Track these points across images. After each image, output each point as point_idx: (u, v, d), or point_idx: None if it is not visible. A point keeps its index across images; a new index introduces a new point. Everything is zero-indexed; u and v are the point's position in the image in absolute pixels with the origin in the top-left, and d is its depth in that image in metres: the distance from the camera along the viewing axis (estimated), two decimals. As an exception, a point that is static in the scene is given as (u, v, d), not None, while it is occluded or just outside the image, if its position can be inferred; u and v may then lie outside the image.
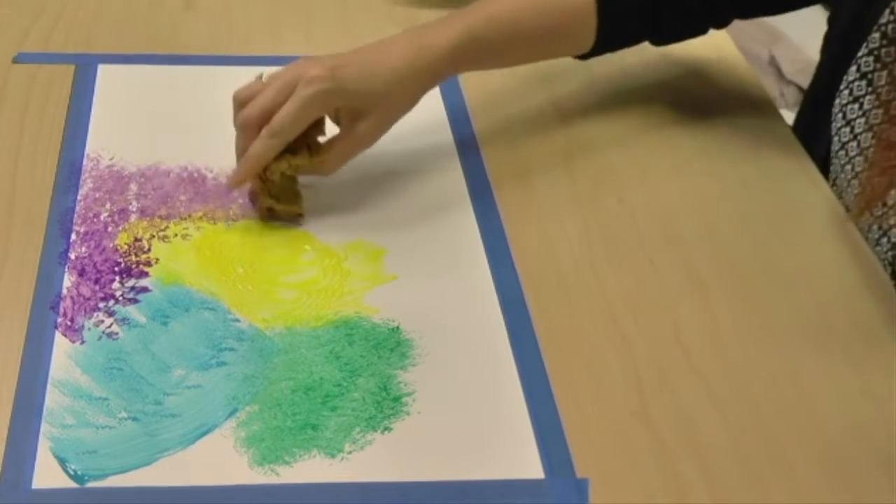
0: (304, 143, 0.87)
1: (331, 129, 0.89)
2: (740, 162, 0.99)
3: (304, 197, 0.89)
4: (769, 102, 1.09)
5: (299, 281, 0.83)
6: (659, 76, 1.05)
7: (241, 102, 0.86)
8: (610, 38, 0.97)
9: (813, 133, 1.04)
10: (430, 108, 1.02)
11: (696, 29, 1.01)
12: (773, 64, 2.24)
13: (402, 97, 0.89)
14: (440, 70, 0.91)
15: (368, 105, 0.87)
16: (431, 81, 0.91)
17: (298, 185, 0.89)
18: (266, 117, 0.84)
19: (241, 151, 0.86)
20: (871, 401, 0.78)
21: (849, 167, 0.91)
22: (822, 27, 1.05)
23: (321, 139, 0.88)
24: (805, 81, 1.68)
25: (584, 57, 1.00)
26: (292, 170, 0.86)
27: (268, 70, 0.88)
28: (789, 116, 1.11)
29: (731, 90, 1.08)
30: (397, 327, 0.80)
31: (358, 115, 0.87)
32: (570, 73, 1.04)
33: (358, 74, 0.87)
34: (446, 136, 0.99)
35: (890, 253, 0.88)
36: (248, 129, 0.85)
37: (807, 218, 0.94)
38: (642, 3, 0.96)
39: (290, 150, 0.86)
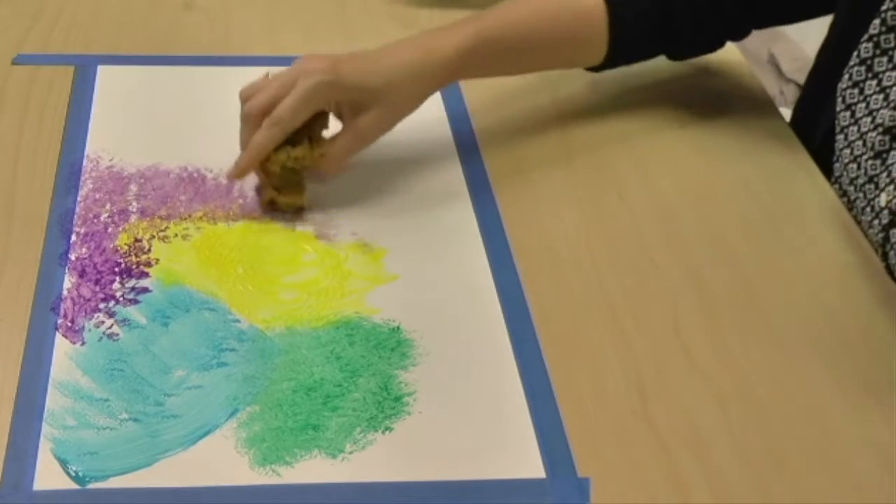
0: (306, 135, 0.87)
1: (335, 127, 0.89)
2: (740, 160, 0.99)
3: (307, 190, 0.89)
4: (769, 101, 1.09)
5: (300, 281, 0.83)
6: (658, 74, 1.05)
7: (246, 97, 0.87)
8: (622, 50, 0.98)
9: (811, 119, 1.04)
10: (430, 107, 1.01)
11: (714, 43, 1.02)
12: (773, 62, 2.25)
13: (405, 95, 0.90)
14: (446, 72, 0.91)
15: (369, 99, 0.87)
16: (437, 83, 0.91)
17: (303, 179, 0.89)
18: (268, 110, 0.85)
19: (245, 143, 0.87)
20: (872, 399, 0.78)
21: (847, 151, 0.91)
22: (822, 26, 1.05)
23: (325, 134, 0.89)
24: (804, 80, 1.68)
25: (597, 69, 1.00)
26: (293, 161, 0.87)
27: (273, 69, 0.88)
28: (789, 114, 1.11)
29: (730, 88, 1.08)
30: (398, 327, 0.80)
31: (359, 109, 0.88)
32: (569, 72, 1.04)
33: (359, 69, 0.87)
34: (446, 135, 0.99)
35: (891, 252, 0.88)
36: (251, 121, 0.86)
37: (806, 216, 0.94)
38: (655, 18, 0.97)
39: (292, 142, 0.86)
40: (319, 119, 0.88)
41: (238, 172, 0.87)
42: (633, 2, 0.96)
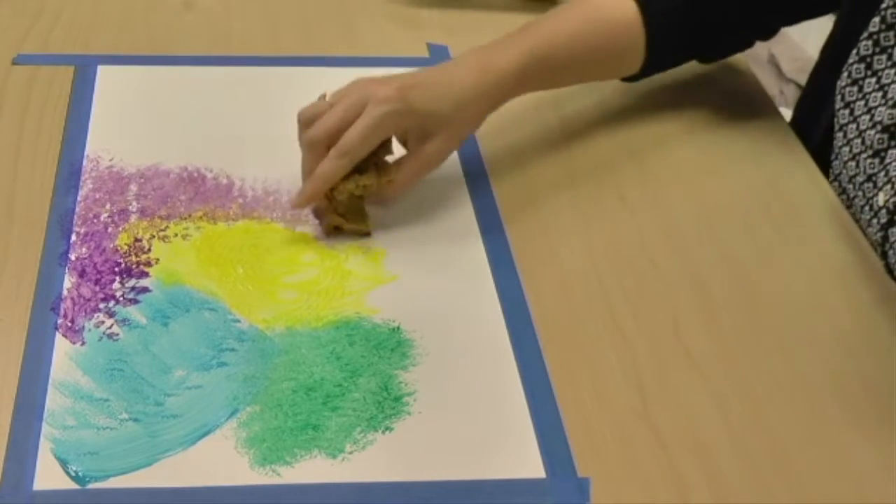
0: (372, 162, 0.86)
1: (398, 149, 0.89)
2: (740, 160, 0.99)
3: (370, 215, 0.88)
4: (769, 101, 1.09)
5: (300, 281, 0.83)
6: (658, 74, 1.05)
7: (306, 122, 0.85)
8: (658, 58, 0.99)
9: (812, 117, 1.04)
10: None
11: (744, 44, 1.03)
12: (773, 62, 2.24)
13: (469, 118, 0.89)
14: (505, 91, 0.91)
15: (436, 126, 0.87)
16: (497, 102, 0.91)
17: (365, 204, 0.88)
18: (334, 137, 0.84)
19: (309, 171, 0.85)
20: (872, 399, 0.78)
21: (846, 148, 0.92)
22: (823, 26, 1.05)
23: (389, 159, 0.88)
24: (804, 80, 1.68)
25: (633, 79, 1.01)
26: (360, 190, 0.85)
27: (329, 90, 0.87)
28: (789, 114, 1.11)
29: (730, 88, 1.08)
30: (398, 327, 0.80)
31: (426, 135, 0.87)
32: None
33: (427, 96, 0.86)
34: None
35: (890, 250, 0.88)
36: (315, 148, 0.84)
37: (806, 216, 0.94)
38: (688, 24, 0.97)
39: (358, 169, 0.85)
40: (385, 145, 0.87)
41: (303, 202, 0.86)
42: (667, 11, 0.97)
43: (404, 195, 0.89)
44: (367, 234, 0.87)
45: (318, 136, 0.84)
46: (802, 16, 1.03)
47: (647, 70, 0.99)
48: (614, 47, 0.97)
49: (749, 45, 1.03)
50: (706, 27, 0.98)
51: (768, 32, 1.02)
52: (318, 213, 0.88)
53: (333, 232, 0.87)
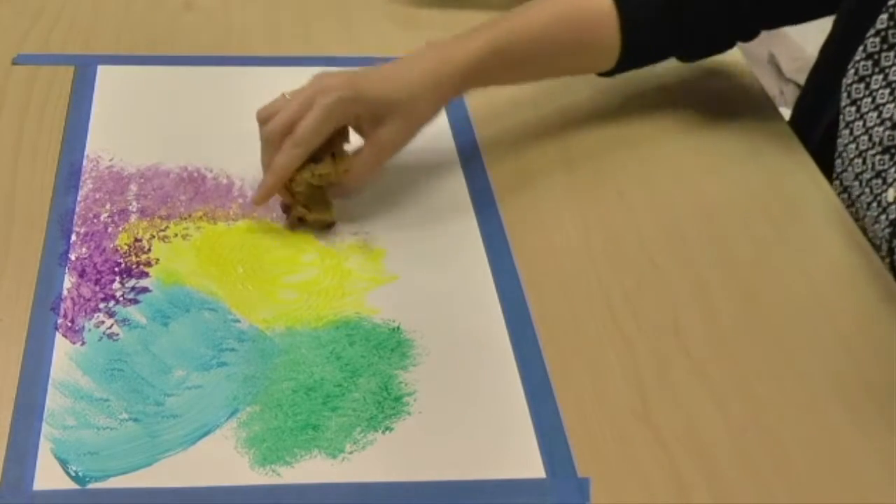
0: (329, 152, 0.87)
1: (356, 140, 0.89)
2: (739, 160, 0.99)
3: (334, 205, 0.88)
4: (769, 101, 1.09)
5: (300, 281, 0.83)
6: (658, 74, 1.05)
7: (264, 119, 0.87)
8: (634, 55, 0.98)
9: (812, 117, 1.04)
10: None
11: (723, 45, 1.02)
12: (773, 62, 2.24)
13: (422, 106, 0.89)
14: (460, 82, 0.91)
15: (388, 111, 0.87)
16: (452, 92, 0.91)
17: (328, 195, 0.88)
18: (289, 130, 0.85)
19: (267, 165, 0.86)
20: (872, 399, 0.78)
21: (853, 146, 0.92)
22: (823, 26, 1.05)
23: (348, 149, 0.88)
24: (805, 80, 1.68)
25: (608, 74, 1.00)
26: (317, 179, 0.86)
27: (285, 85, 0.88)
28: (789, 114, 1.11)
29: (730, 88, 1.08)
30: (398, 327, 0.80)
31: (379, 122, 0.87)
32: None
33: (377, 82, 0.87)
34: (446, 135, 0.99)
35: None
36: (272, 142, 0.85)
37: (806, 216, 0.94)
38: (666, 21, 0.97)
39: (315, 159, 0.86)
40: (341, 134, 0.88)
41: (263, 196, 0.86)
42: (644, 5, 0.96)
43: (366, 185, 0.90)
44: (331, 225, 0.88)
45: (274, 129, 0.85)
46: (785, 20, 1.03)
47: (622, 66, 0.99)
48: (586, 42, 0.97)
49: (730, 45, 1.02)
50: (684, 24, 0.97)
51: (749, 33, 1.01)
52: (284, 208, 0.89)
53: (298, 224, 0.88)
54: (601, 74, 1.01)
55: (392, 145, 0.89)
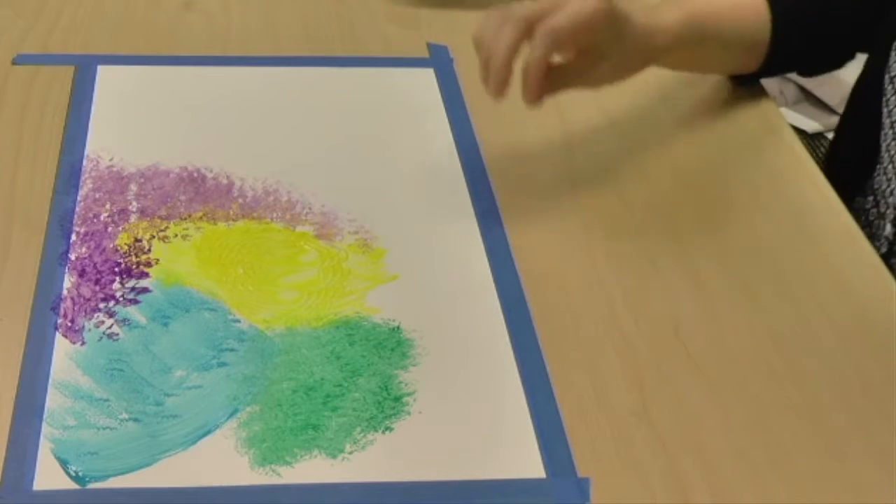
0: None
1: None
2: (740, 160, 1.00)
3: None
4: (769, 101, 1.09)
5: (300, 281, 0.84)
6: (658, 74, 1.05)
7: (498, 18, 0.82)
8: (778, 58, 1.00)
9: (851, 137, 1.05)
10: (431, 107, 1.02)
11: (842, 58, 1.05)
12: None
13: (641, 57, 0.90)
14: (663, 50, 0.92)
15: (619, 46, 0.86)
16: (657, 57, 0.93)
17: None
18: (533, 20, 0.80)
19: (493, 45, 0.81)
20: (872, 399, 0.78)
21: None
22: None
23: None
24: (804, 80, 1.68)
25: (747, 80, 1.03)
26: None
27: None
28: (789, 114, 1.11)
29: (730, 88, 1.08)
30: (398, 327, 0.80)
31: (598, 58, 0.86)
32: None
33: (625, 9, 0.86)
34: (446, 135, 0.99)
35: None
36: (516, 22, 0.80)
37: (807, 216, 0.94)
38: (811, 30, 0.99)
39: None
40: None
41: (534, 93, 0.82)
42: (794, 13, 0.98)
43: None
44: None
45: (526, 13, 0.81)
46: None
47: (764, 72, 1.01)
48: (744, 38, 0.99)
49: (845, 61, 1.04)
50: (825, 36, 0.99)
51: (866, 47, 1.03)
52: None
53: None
54: (738, 79, 1.03)
55: (602, 83, 0.88)
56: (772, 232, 0.92)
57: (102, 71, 1.03)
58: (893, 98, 0.93)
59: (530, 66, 0.81)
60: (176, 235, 0.86)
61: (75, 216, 0.87)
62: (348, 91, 1.04)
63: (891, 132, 0.93)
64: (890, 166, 0.93)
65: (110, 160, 0.93)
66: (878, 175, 0.98)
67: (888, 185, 0.96)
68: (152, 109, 1.00)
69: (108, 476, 0.69)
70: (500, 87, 0.81)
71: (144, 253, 0.84)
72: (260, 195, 0.91)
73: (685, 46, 0.94)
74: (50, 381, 0.74)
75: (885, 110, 0.94)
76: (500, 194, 0.93)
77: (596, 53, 0.86)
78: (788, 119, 1.08)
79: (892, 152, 0.93)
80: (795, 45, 1.00)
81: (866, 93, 1.01)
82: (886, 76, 0.95)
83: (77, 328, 0.78)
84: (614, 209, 0.93)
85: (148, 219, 0.88)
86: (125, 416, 0.72)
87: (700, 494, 0.71)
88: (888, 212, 0.96)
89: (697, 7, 0.94)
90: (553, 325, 0.81)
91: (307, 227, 0.88)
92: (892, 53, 0.93)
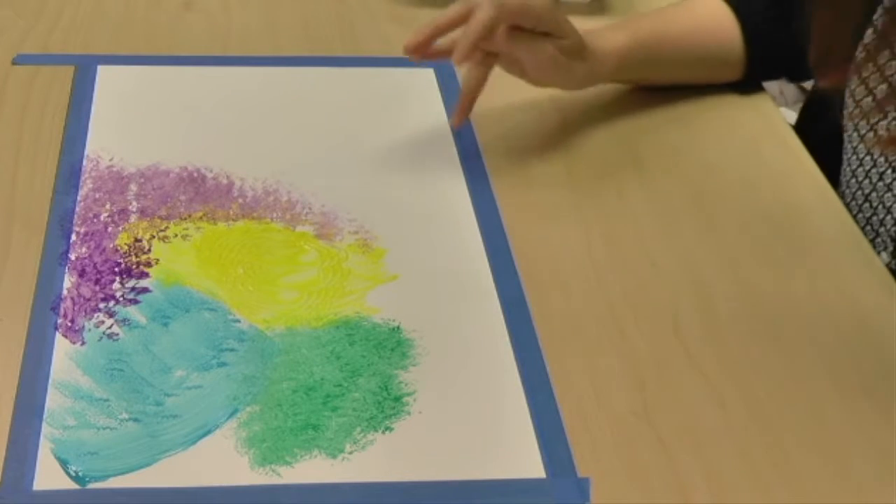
0: None
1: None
2: (740, 160, 1.00)
3: None
4: (769, 101, 1.09)
5: (300, 281, 0.84)
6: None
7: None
8: (758, 70, 1.03)
9: (817, 115, 1.06)
10: (431, 108, 1.02)
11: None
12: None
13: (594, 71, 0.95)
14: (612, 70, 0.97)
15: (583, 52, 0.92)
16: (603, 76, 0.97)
17: None
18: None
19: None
20: (871, 399, 0.78)
21: (863, 123, 0.92)
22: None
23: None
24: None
25: (740, 85, 1.05)
26: None
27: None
28: (789, 114, 1.11)
29: (730, 88, 1.08)
30: (398, 327, 0.80)
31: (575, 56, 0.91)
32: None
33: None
34: (447, 135, 0.99)
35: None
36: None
37: (806, 216, 0.94)
38: (788, 41, 1.00)
39: None
40: None
41: (463, 54, 0.87)
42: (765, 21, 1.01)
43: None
44: None
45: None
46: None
47: (750, 80, 1.04)
48: (715, 55, 1.02)
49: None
50: (802, 45, 0.99)
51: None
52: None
53: None
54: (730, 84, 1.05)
55: (551, 85, 0.94)
56: (771, 231, 0.92)
57: (102, 71, 1.03)
58: (856, 110, 0.93)
59: (470, 27, 0.86)
60: (176, 235, 0.86)
61: (75, 216, 0.87)
62: (348, 91, 1.04)
63: (849, 147, 0.94)
64: (849, 171, 0.94)
65: (110, 160, 0.93)
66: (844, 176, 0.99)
67: (853, 199, 0.97)
68: (152, 109, 1.00)
69: (108, 476, 0.69)
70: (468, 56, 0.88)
71: (144, 253, 0.85)
72: (260, 195, 0.91)
73: (634, 68, 0.98)
74: (50, 381, 0.74)
75: (845, 112, 0.95)
76: (501, 194, 0.93)
77: (534, 43, 0.90)
78: (788, 119, 1.08)
79: (850, 155, 0.93)
80: (773, 57, 1.02)
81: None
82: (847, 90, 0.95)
83: (77, 328, 0.78)
84: (614, 209, 0.93)
85: (148, 219, 0.88)
86: (125, 416, 0.72)
87: (700, 494, 0.71)
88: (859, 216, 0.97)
89: (647, 31, 0.97)
90: (553, 325, 0.81)
91: (307, 227, 0.88)
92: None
